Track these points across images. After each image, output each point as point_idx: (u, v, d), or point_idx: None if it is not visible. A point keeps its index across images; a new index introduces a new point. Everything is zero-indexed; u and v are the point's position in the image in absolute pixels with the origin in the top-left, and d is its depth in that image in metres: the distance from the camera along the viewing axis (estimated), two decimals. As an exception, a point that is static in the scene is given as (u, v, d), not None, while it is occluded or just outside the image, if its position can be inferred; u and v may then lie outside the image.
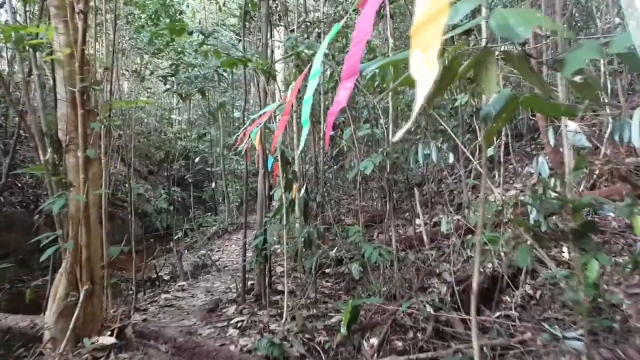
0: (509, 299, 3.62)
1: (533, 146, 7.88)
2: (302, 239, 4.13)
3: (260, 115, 2.31)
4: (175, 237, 6.30)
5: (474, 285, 1.40)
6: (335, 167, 10.66)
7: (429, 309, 3.23)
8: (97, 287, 3.32)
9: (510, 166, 7.47)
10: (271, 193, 4.89)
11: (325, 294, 4.91)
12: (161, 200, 12.64)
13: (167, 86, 7.59)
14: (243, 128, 2.41)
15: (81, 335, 3.10)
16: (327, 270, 5.51)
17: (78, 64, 3.03)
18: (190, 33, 4.04)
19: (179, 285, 5.84)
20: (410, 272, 4.12)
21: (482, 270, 3.76)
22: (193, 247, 9.65)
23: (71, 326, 2.99)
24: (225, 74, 9.92)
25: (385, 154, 3.98)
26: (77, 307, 3.05)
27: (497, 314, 3.39)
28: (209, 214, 12.94)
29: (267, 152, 4.56)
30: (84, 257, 3.17)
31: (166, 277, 7.33)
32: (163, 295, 5.23)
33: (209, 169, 14.65)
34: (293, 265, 5.84)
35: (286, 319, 3.83)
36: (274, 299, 4.50)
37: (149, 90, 16.85)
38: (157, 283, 6.85)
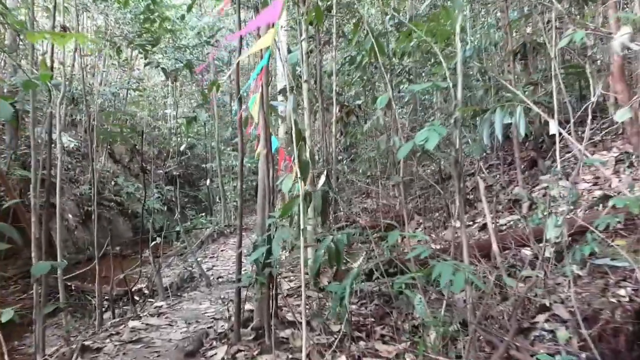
0: (662, 348, 2.25)
1: (591, 129, 6.47)
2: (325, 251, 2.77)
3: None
4: (152, 244, 4.92)
5: None
6: (347, 159, 9.31)
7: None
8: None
9: (568, 154, 6.13)
10: (277, 183, 3.54)
11: (352, 324, 3.54)
12: (153, 199, 11.34)
13: (148, 59, 6.28)
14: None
15: None
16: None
17: None
18: None
19: (155, 307, 4.46)
20: (493, 302, 2.74)
21: (616, 300, 2.39)
22: (184, 253, 8.31)
23: None
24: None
25: (454, 121, 2.62)
26: None
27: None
28: (204, 214, 11.56)
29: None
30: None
31: (147, 291, 5.99)
32: (131, 324, 3.86)
33: (204, 165, 13.30)
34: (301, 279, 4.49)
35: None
36: (281, 336, 3.14)
37: (141, 82, 15.56)
38: (138, 298, 5.50)
